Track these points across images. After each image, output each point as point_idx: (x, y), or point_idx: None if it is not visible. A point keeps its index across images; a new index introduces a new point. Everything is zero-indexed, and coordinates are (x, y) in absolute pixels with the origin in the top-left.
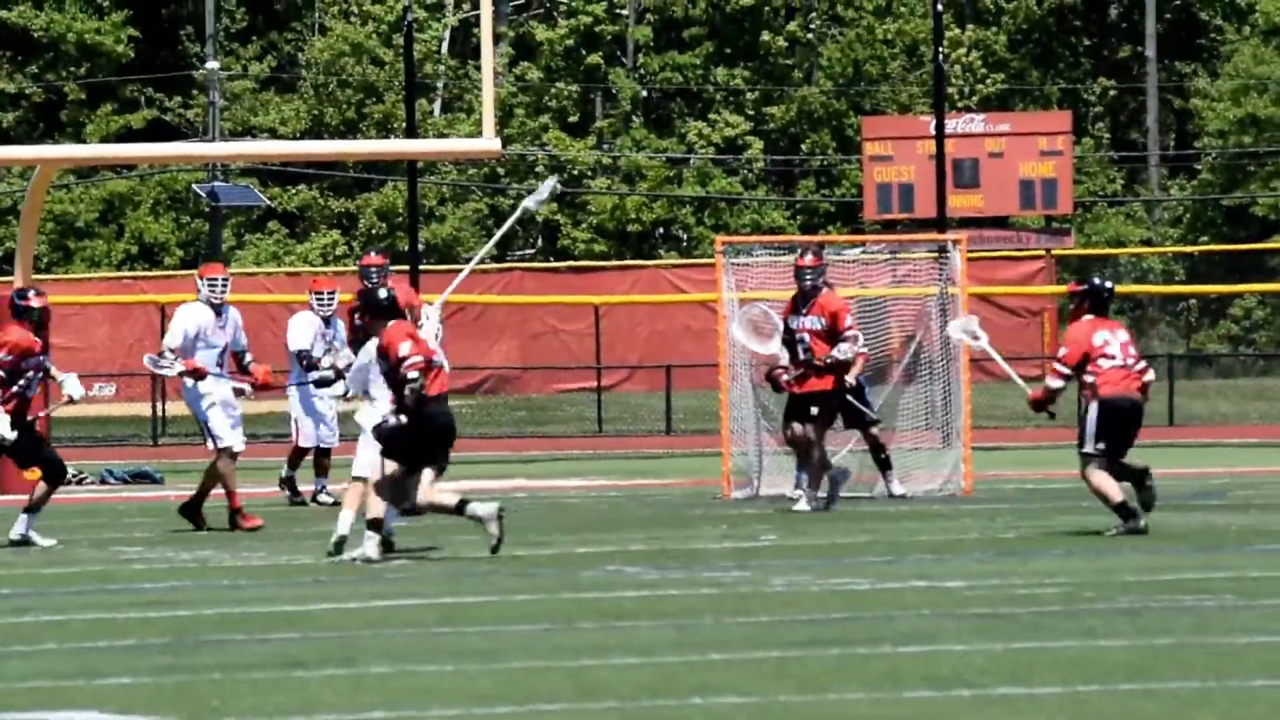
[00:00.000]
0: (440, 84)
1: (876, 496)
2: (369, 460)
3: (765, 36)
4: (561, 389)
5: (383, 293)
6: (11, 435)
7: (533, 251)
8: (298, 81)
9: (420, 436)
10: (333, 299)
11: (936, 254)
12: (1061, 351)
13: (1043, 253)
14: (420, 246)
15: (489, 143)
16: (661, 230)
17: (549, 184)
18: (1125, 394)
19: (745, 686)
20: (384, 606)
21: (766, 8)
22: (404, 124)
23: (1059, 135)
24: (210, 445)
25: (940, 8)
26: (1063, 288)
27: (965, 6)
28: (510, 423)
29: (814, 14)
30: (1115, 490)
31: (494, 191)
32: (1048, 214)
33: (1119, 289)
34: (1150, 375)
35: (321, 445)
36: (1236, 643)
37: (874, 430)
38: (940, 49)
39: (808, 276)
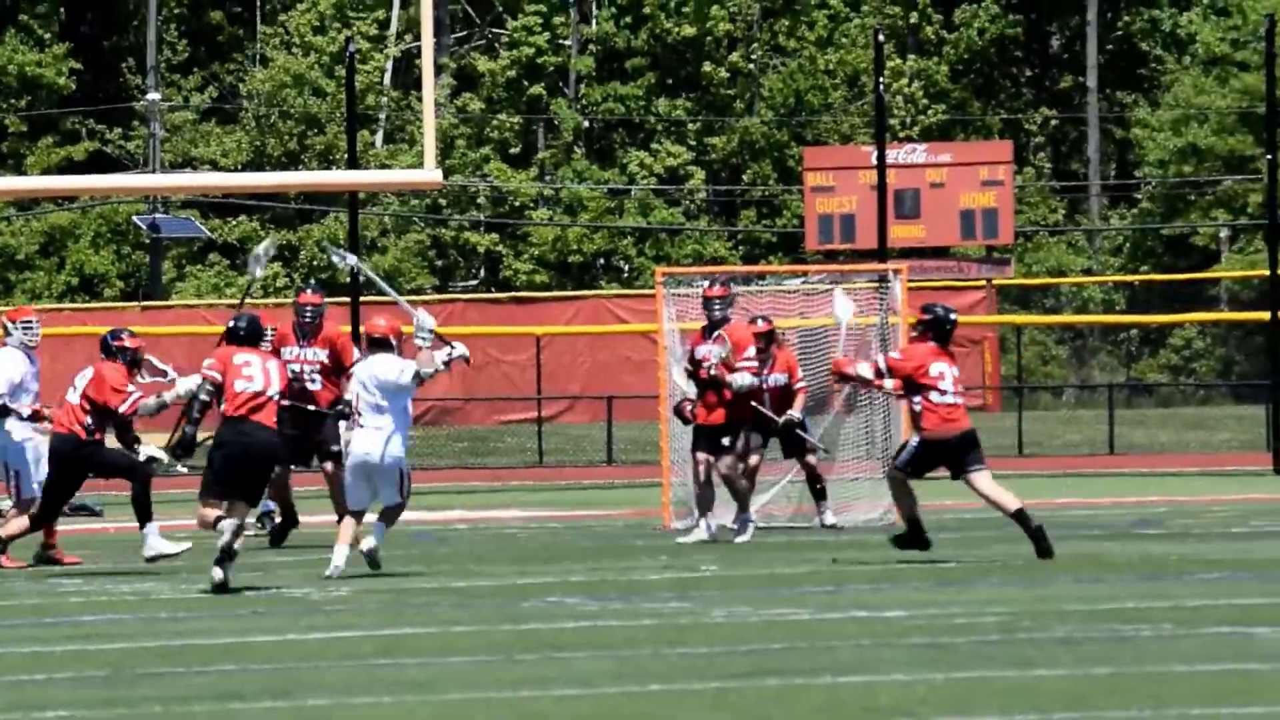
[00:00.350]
0: (382, 115)
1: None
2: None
3: (707, 67)
4: (503, 420)
5: (242, 322)
6: (165, 458)
7: (475, 283)
8: (239, 113)
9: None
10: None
11: (877, 284)
12: (894, 354)
13: (984, 282)
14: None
15: (430, 174)
16: (603, 261)
17: (263, 247)
18: (950, 431)
19: (685, 717)
20: (322, 639)
21: (708, 38)
22: (346, 155)
23: (1000, 165)
24: (20, 496)
25: (881, 38)
26: (1007, 318)
27: (907, 37)
28: (451, 454)
29: (755, 45)
30: (908, 508)
31: (436, 223)
32: (989, 244)
33: (1060, 319)
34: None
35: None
36: (1175, 671)
37: (812, 460)
38: (881, 79)
39: (715, 306)
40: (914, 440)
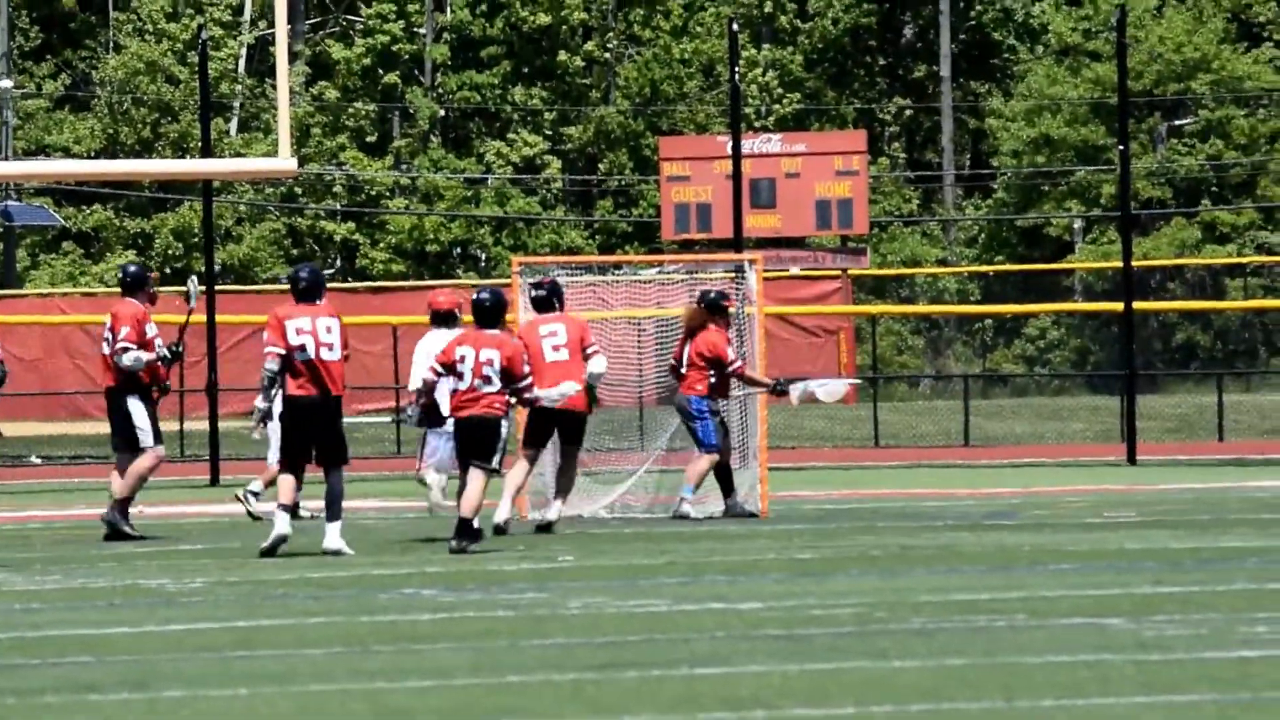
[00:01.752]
0: (236, 103)
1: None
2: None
3: (563, 56)
4: (359, 410)
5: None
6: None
7: (331, 272)
8: (92, 100)
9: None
10: None
11: (734, 274)
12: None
13: (839, 273)
14: (217, 267)
15: (285, 162)
16: (460, 250)
17: (191, 287)
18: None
19: (542, 709)
20: (179, 630)
21: (564, 27)
22: (200, 143)
23: (855, 155)
24: None
25: (736, 28)
26: (862, 308)
27: (761, 26)
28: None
29: (611, 34)
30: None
31: (292, 211)
32: (844, 234)
33: (916, 309)
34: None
35: None
36: (1028, 662)
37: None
38: (736, 69)
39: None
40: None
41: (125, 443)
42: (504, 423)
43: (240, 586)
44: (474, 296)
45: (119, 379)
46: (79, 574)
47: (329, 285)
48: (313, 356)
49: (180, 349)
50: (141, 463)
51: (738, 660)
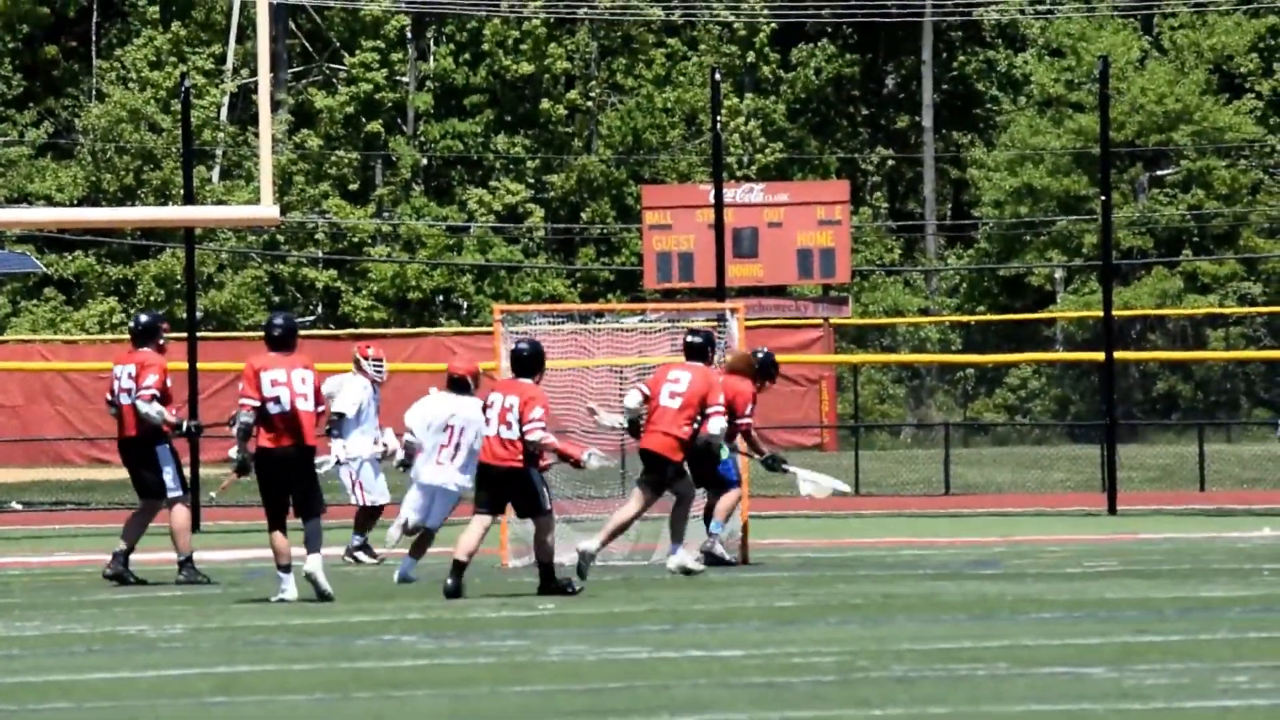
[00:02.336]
0: (219, 151)
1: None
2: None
3: (545, 104)
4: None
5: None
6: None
7: (313, 319)
8: (75, 148)
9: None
10: None
11: (715, 322)
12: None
13: (821, 321)
14: (199, 314)
15: (267, 210)
16: (442, 298)
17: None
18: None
19: None
20: (158, 676)
21: (546, 76)
22: (182, 191)
23: (837, 205)
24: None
25: (719, 77)
26: (843, 357)
27: (744, 76)
28: None
29: (594, 82)
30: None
31: (274, 259)
32: (826, 283)
33: (897, 358)
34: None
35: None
36: (1010, 711)
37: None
38: (718, 118)
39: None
40: None
41: (150, 490)
42: (531, 471)
43: (220, 632)
44: (513, 346)
45: (141, 429)
46: (59, 620)
47: (309, 333)
48: (287, 409)
49: (199, 431)
50: (179, 518)
51: (718, 707)
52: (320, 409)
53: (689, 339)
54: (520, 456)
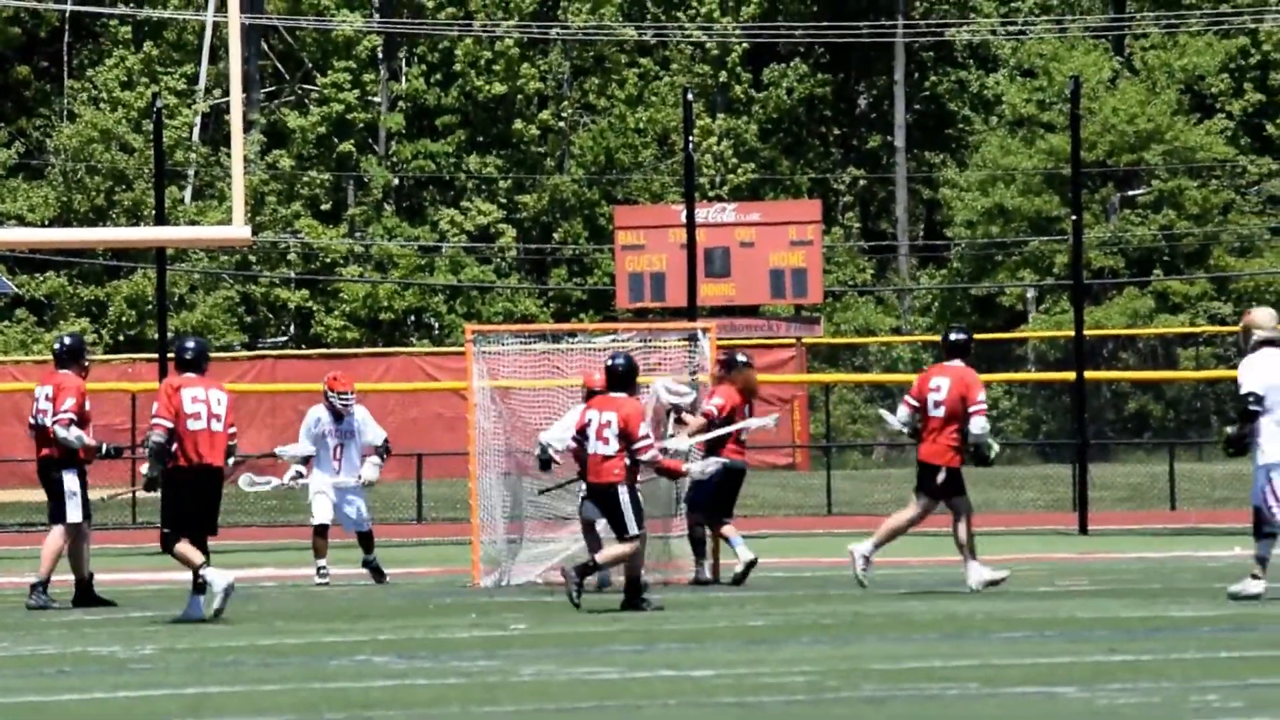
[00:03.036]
0: (191, 171)
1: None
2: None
3: (517, 125)
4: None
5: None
6: None
7: (285, 339)
8: (46, 168)
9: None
10: None
11: (687, 342)
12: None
13: (793, 341)
14: (170, 334)
15: (239, 231)
16: (414, 318)
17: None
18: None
19: None
20: (129, 697)
21: (519, 96)
22: (154, 211)
23: (809, 225)
24: None
25: (690, 97)
26: (816, 376)
27: (716, 96)
28: (260, 510)
29: (566, 102)
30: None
31: (246, 279)
32: (798, 303)
33: (869, 377)
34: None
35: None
36: None
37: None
38: (691, 138)
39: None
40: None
41: (50, 513)
42: (621, 489)
43: (190, 653)
44: (608, 361)
45: (59, 451)
46: (28, 641)
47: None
48: (205, 427)
49: (121, 453)
50: (54, 541)
51: None
52: (232, 430)
53: (951, 337)
54: (617, 471)
